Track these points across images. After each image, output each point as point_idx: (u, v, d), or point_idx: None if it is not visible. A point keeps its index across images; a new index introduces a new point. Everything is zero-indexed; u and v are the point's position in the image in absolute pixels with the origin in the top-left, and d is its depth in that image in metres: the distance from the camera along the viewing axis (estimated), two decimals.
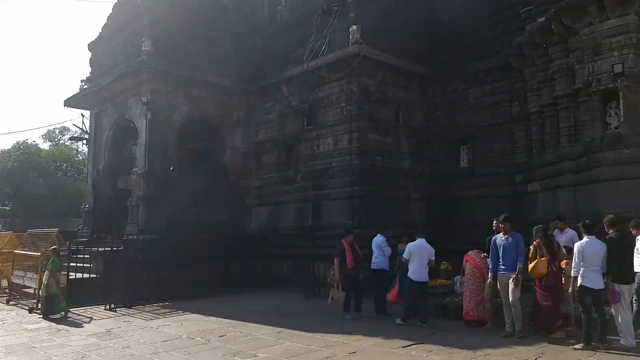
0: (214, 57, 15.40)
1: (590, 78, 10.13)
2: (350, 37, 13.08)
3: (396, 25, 14.39)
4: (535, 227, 7.33)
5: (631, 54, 9.84)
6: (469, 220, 12.78)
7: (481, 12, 14.33)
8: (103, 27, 17.12)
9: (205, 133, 15.66)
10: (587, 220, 6.76)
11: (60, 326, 8.81)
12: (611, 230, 6.72)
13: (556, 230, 8.62)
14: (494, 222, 7.91)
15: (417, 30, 14.99)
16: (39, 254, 10.71)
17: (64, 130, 40.38)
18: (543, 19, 11.10)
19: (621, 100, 9.68)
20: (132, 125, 15.21)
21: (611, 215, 6.91)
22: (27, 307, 10.61)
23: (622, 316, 6.41)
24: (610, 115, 10.08)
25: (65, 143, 40.16)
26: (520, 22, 12.55)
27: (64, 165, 36.97)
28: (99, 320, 9.26)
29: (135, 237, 12.69)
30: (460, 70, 14.24)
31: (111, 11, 16.97)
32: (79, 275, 11.31)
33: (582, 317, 6.51)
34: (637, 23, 9.89)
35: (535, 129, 12.01)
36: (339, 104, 13.66)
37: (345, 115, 13.40)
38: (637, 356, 6.03)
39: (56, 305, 9.68)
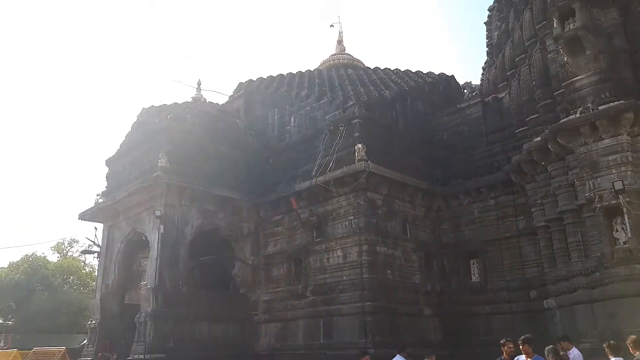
0: (226, 172, 16.05)
1: (592, 194, 10.52)
2: (356, 154, 13.72)
3: (398, 143, 15.28)
4: (546, 348, 7.21)
5: (629, 171, 10.31)
6: (486, 338, 12.45)
7: (476, 132, 15.29)
8: (121, 144, 18.08)
9: (215, 245, 15.82)
10: (611, 341, 6.65)
11: None
12: (637, 352, 6.53)
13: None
14: (503, 344, 7.74)
15: (418, 147, 15.90)
16: None
17: (72, 242, 40.55)
18: (539, 138, 11.80)
19: (626, 216, 9.95)
20: (144, 238, 15.44)
21: (634, 336, 6.75)
22: None
23: None
24: (617, 231, 10.30)
25: (73, 255, 40.10)
26: (517, 141, 13.31)
27: (71, 278, 36.62)
28: None
29: (141, 356, 12.30)
30: (462, 185, 14.80)
31: (129, 130, 18.06)
32: None
33: None
34: (630, 142, 10.51)
35: (543, 243, 12.19)
36: (347, 216, 13.97)
37: (354, 227, 13.65)
38: None
39: None
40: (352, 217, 13.82)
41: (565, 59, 11.53)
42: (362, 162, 13.43)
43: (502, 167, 13.72)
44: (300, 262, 14.88)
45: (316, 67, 21.31)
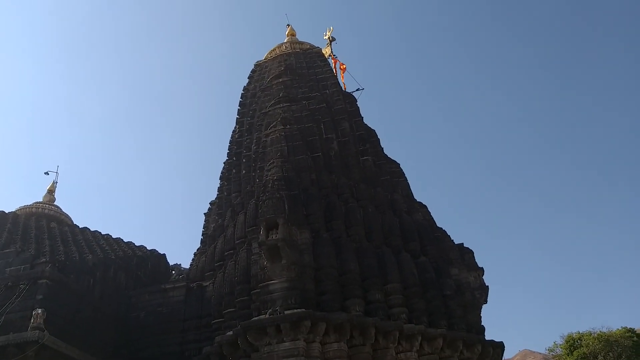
0: None
1: None
2: (32, 320, 11.74)
3: (89, 315, 13.91)
4: None
5: None
6: None
7: (175, 316, 14.96)
8: None
9: None
10: None
11: None
12: None
13: None
14: None
15: (111, 323, 14.65)
16: None
17: None
18: (231, 333, 12.28)
19: None
20: None
21: None
22: None
23: None
24: None
25: None
26: (212, 332, 13.52)
27: None
28: None
29: None
30: None
31: None
32: None
33: None
34: (305, 348, 11.81)
35: None
36: None
37: None
38: None
39: None
40: None
41: (265, 263, 12.95)
42: (37, 331, 11.49)
43: (192, 356, 13.40)
44: None
45: (13, 210, 18.50)
